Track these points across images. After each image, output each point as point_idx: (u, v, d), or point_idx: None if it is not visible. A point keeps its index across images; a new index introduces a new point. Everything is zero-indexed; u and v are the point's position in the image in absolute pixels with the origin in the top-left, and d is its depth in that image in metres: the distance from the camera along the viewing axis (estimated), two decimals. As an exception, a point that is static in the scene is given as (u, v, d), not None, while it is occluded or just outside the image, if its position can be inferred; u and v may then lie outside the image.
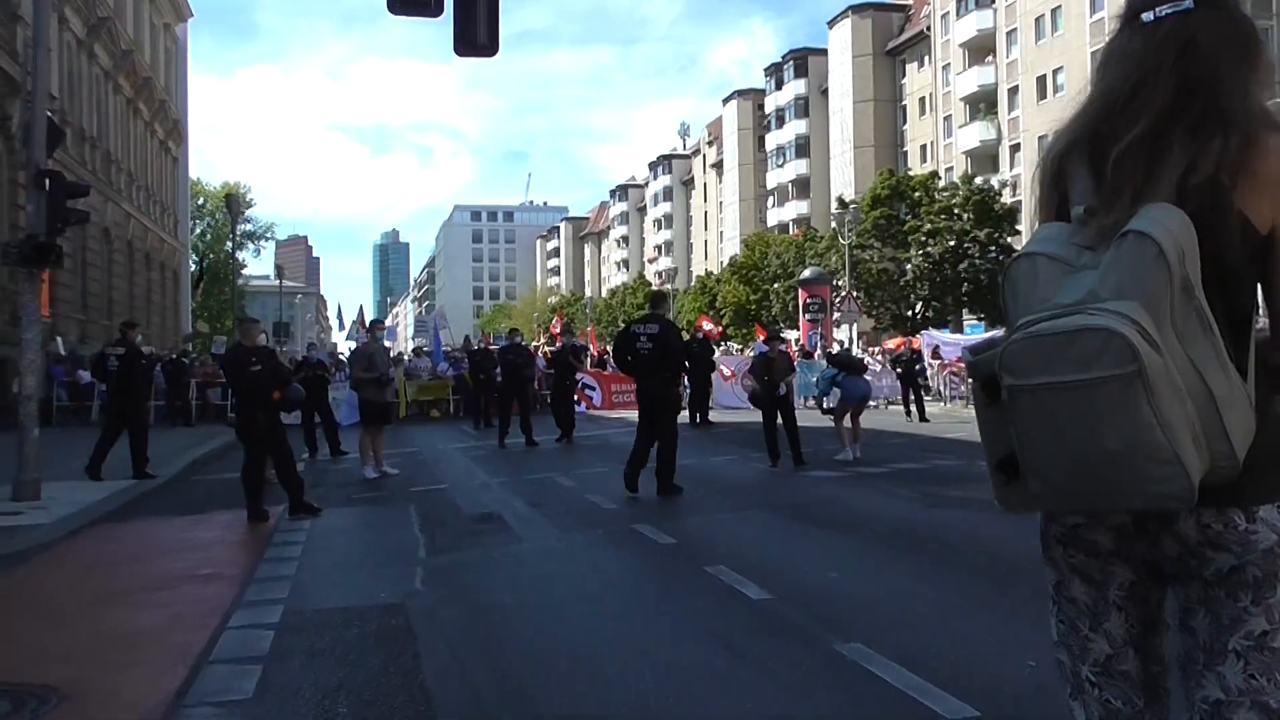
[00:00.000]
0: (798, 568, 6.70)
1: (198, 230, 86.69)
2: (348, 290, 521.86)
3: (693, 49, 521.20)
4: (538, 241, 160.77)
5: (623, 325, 10.47)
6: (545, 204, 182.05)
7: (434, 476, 13.15)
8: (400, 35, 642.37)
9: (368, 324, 14.37)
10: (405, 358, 30.18)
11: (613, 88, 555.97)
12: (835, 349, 34.42)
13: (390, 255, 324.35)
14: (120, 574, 7.57)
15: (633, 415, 27.30)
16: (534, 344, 19.75)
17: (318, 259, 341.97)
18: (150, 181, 46.82)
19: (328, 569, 7.41)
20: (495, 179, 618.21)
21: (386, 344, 31.53)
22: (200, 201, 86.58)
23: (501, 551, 7.75)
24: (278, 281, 69.01)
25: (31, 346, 12.26)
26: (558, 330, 36.12)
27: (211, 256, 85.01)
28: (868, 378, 15.02)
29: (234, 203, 36.08)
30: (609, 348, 37.87)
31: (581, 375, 29.02)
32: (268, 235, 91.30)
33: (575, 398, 28.80)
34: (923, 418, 21.88)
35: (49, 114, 12.70)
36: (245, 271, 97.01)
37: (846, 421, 13.89)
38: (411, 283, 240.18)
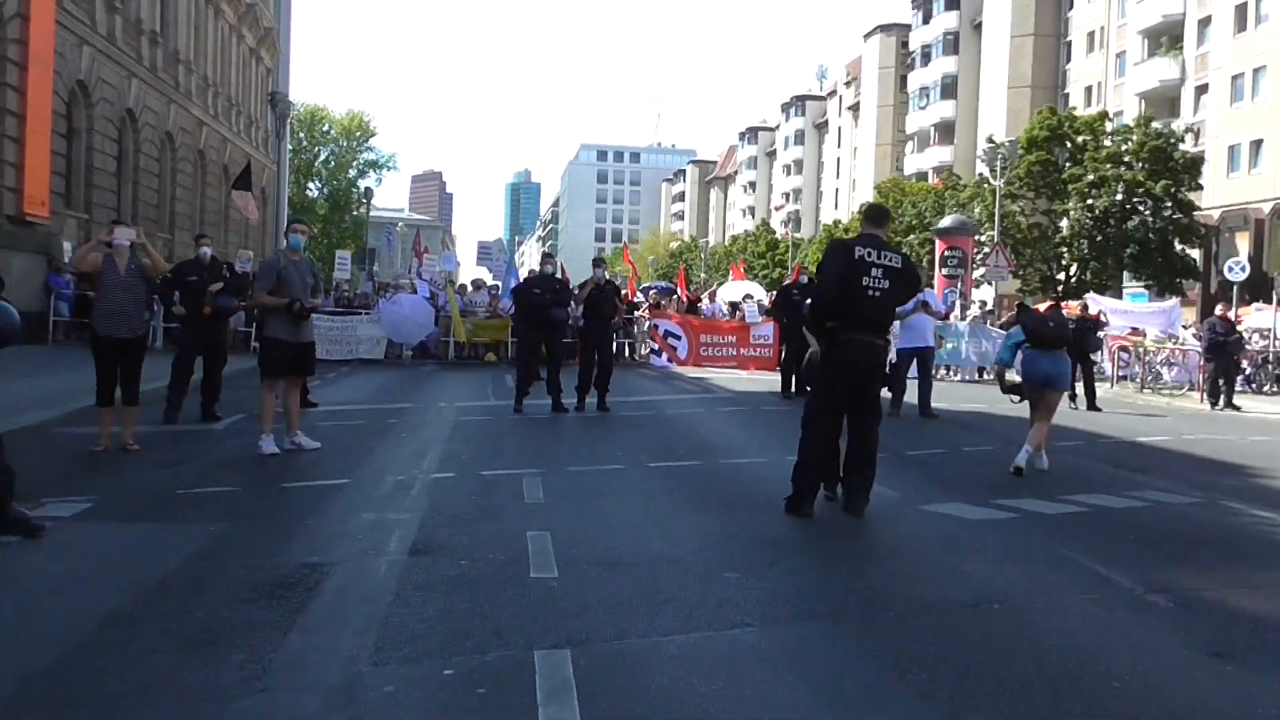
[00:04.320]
0: None
1: (321, 156, 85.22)
2: (480, 227, 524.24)
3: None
4: (663, 184, 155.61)
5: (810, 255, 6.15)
6: (674, 146, 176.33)
7: (352, 462, 8.62)
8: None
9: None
10: (465, 288, 25.87)
11: (752, 26, 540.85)
12: (975, 309, 28.86)
13: (522, 194, 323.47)
14: None
15: (720, 375, 22.74)
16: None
17: (450, 195, 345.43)
18: (234, 91, 43.43)
19: None
20: (629, 120, 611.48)
21: (442, 271, 27.29)
22: (325, 128, 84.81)
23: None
24: (403, 210, 65.99)
25: None
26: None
27: (335, 183, 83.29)
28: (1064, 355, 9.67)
29: (279, 100, 32.11)
30: (702, 294, 32.85)
31: (662, 321, 24.47)
32: (390, 165, 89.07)
33: (657, 348, 24.38)
34: (1092, 405, 16.48)
35: None
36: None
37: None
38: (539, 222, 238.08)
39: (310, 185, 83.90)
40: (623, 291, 27.68)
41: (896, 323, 13.84)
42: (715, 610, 4.54)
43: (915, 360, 14.06)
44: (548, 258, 13.87)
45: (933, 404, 13.92)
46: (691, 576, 5.09)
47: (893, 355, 13.98)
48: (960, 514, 6.98)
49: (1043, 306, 11.36)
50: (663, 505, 7.01)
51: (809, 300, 9.35)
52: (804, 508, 6.73)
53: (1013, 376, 10.06)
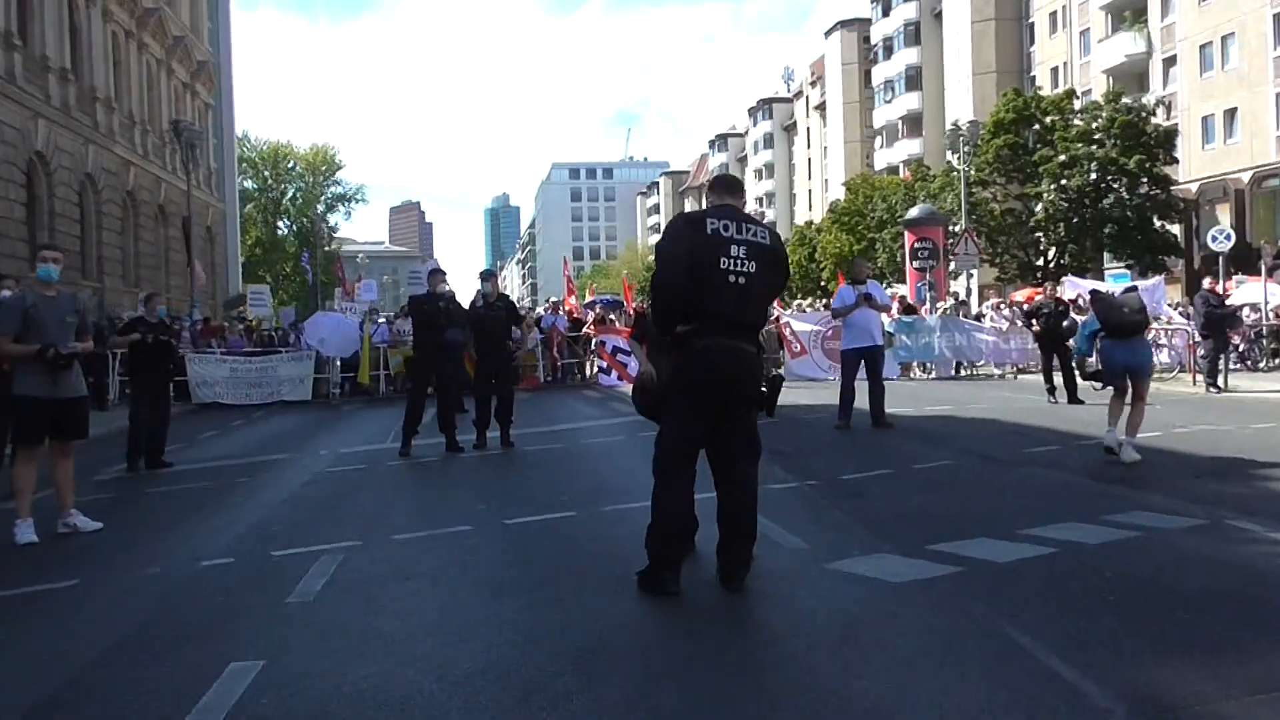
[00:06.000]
0: None
1: (289, 194, 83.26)
2: (461, 253, 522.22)
3: (805, 2, 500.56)
4: (638, 198, 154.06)
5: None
6: (645, 159, 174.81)
7: (116, 549, 6.79)
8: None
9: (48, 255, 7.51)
10: (392, 317, 24.02)
11: (722, 44, 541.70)
12: (950, 301, 27.11)
13: (501, 219, 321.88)
14: None
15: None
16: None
17: (430, 224, 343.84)
18: (164, 128, 41.56)
19: None
20: (606, 139, 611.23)
21: (362, 309, 25.25)
22: (290, 164, 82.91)
23: None
24: (382, 243, 64.14)
25: None
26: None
27: (303, 220, 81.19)
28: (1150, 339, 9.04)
29: (182, 129, 30.12)
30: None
31: (609, 338, 22.72)
32: (359, 198, 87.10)
33: (605, 366, 22.64)
34: (1073, 397, 14.69)
35: None
36: (339, 235, 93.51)
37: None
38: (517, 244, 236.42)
39: (280, 223, 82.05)
40: (560, 311, 26.08)
41: (839, 321, 12.09)
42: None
43: (863, 362, 12.24)
44: (435, 273, 12.02)
45: (888, 410, 12.10)
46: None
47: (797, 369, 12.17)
48: (880, 573, 5.15)
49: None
50: (477, 590, 5.17)
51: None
52: (665, 583, 4.90)
53: (1092, 364, 9.84)
